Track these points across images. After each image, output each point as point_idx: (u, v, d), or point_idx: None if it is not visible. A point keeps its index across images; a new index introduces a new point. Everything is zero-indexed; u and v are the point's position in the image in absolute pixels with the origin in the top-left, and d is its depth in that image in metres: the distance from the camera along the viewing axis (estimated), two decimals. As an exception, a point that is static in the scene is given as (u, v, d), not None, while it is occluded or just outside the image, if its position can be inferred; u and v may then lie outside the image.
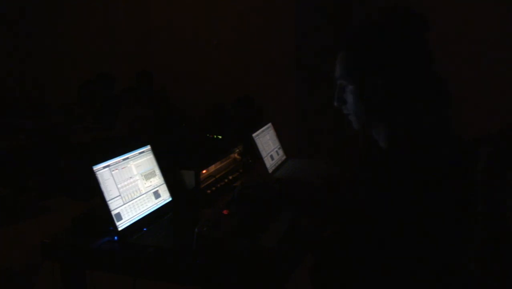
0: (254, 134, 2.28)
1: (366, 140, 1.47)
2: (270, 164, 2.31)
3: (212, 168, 2.14)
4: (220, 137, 2.59)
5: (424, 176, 1.20)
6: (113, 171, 1.67)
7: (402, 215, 1.20)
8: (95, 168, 1.61)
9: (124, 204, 1.67)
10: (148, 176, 1.83)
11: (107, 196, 1.61)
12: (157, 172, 1.89)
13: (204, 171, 2.04)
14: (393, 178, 1.24)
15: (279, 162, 2.44)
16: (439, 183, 1.19)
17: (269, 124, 2.54)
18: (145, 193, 1.78)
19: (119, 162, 1.72)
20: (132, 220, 1.66)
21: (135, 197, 1.73)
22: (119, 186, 1.67)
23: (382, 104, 1.28)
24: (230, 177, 2.22)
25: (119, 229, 1.60)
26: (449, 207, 1.21)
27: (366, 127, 1.37)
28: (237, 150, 2.38)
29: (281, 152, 2.53)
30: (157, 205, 1.81)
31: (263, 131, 2.41)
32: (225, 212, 1.57)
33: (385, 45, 1.27)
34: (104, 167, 1.65)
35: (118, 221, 1.61)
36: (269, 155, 2.36)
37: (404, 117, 1.27)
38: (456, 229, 1.23)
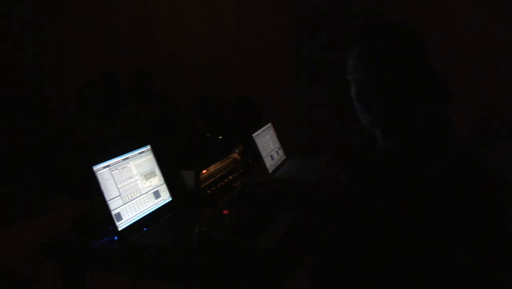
0: (254, 134, 2.28)
1: (363, 138, 1.47)
2: (270, 164, 2.31)
3: (212, 168, 2.14)
4: (220, 137, 2.59)
5: (423, 174, 1.19)
6: (113, 171, 1.67)
7: (401, 214, 1.20)
8: (95, 168, 1.61)
9: (124, 204, 1.67)
10: (148, 176, 1.83)
11: (107, 196, 1.61)
12: (157, 172, 1.88)
13: (204, 171, 2.04)
14: (392, 176, 1.24)
15: (279, 162, 2.44)
16: (439, 181, 1.19)
17: (269, 124, 2.54)
18: (145, 193, 1.78)
19: (119, 162, 1.72)
20: (132, 220, 1.66)
21: (135, 197, 1.73)
22: (119, 186, 1.67)
23: (384, 101, 1.29)
24: (230, 177, 2.22)
25: (119, 229, 1.60)
26: (450, 207, 1.21)
27: (372, 125, 1.37)
28: (237, 150, 2.38)
29: (281, 152, 2.53)
30: (157, 205, 1.81)
31: (263, 131, 2.41)
32: (225, 212, 1.57)
33: (389, 44, 1.27)
34: (104, 167, 1.64)
35: (118, 221, 1.61)
36: (269, 155, 2.36)
37: (404, 115, 1.27)
38: (459, 229, 1.22)
